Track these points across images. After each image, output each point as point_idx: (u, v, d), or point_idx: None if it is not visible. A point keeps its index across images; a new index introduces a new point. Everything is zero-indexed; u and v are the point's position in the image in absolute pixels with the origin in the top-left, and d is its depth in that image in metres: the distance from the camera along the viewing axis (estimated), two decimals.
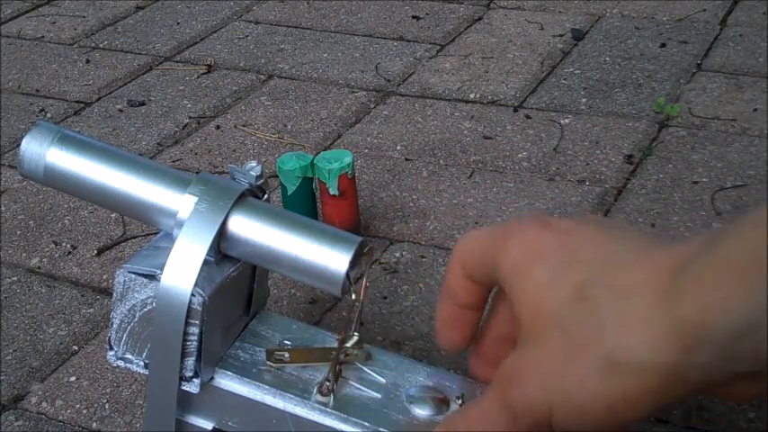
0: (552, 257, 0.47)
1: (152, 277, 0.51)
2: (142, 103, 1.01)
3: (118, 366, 0.53)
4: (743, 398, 0.46)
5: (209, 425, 0.55)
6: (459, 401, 0.54)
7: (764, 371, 0.43)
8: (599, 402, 0.44)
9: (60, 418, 0.62)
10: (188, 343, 0.51)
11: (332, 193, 0.73)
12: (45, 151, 0.53)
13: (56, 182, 0.54)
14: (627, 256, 0.46)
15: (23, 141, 0.53)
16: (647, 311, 0.43)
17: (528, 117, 0.93)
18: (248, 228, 0.51)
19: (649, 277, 0.44)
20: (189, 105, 1.00)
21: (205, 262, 0.50)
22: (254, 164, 0.54)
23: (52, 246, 0.80)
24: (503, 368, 0.48)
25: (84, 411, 0.63)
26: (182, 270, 0.50)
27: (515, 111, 0.94)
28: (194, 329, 0.51)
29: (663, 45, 1.04)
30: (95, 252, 0.78)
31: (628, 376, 0.43)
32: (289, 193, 0.75)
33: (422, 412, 0.54)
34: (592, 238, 0.48)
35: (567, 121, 0.92)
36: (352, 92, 1.00)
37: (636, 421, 0.46)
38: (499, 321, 0.53)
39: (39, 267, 0.77)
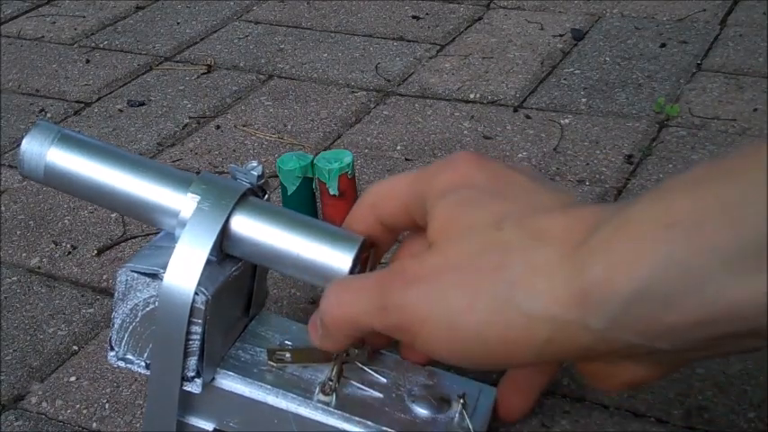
0: (480, 186, 0.47)
1: (154, 276, 0.51)
2: (142, 103, 1.01)
3: (119, 367, 0.53)
4: (616, 384, 0.47)
5: (209, 426, 0.55)
6: (461, 401, 0.54)
7: (645, 354, 0.43)
8: (479, 332, 0.43)
9: (60, 418, 0.62)
10: (190, 342, 0.51)
11: (332, 193, 0.73)
12: (45, 151, 0.53)
13: (56, 182, 0.54)
14: (549, 205, 0.46)
15: (23, 141, 0.53)
16: (554, 261, 0.42)
17: (528, 117, 0.93)
18: (251, 227, 0.51)
19: (564, 230, 0.43)
20: (189, 105, 1.00)
21: (207, 261, 0.50)
22: (254, 164, 0.54)
23: (52, 246, 0.79)
24: (397, 264, 0.47)
25: (84, 411, 0.63)
26: (185, 269, 0.50)
27: (515, 111, 0.94)
28: (197, 329, 0.51)
29: (663, 45, 1.04)
30: (95, 252, 0.78)
31: (518, 318, 0.43)
32: (289, 193, 0.75)
33: (424, 411, 0.54)
34: (522, 182, 0.48)
35: (567, 121, 0.92)
36: (352, 92, 1.00)
37: (500, 368, 0.47)
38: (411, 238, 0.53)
39: (39, 267, 0.77)
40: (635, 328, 0.41)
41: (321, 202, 0.75)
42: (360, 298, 0.48)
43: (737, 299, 0.38)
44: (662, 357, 0.44)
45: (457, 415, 0.54)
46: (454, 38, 1.11)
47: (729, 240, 0.38)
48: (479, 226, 0.45)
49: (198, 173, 0.53)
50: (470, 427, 0.54)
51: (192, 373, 0.52)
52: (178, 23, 1.20)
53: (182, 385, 0.52)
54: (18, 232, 0.81)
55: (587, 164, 0.85)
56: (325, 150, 0.89)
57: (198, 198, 0.51)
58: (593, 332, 0.42)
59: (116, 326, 0.52)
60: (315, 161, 0.74)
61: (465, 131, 0.91)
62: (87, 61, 1.12)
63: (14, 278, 0.76)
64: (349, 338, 0.50)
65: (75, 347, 0.68)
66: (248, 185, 0.53)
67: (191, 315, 0.50)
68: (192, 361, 0.51)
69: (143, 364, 0.52)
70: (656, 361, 0.45)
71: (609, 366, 0.46)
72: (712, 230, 0.38)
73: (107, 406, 0.63)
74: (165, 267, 0.50)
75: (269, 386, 0.54)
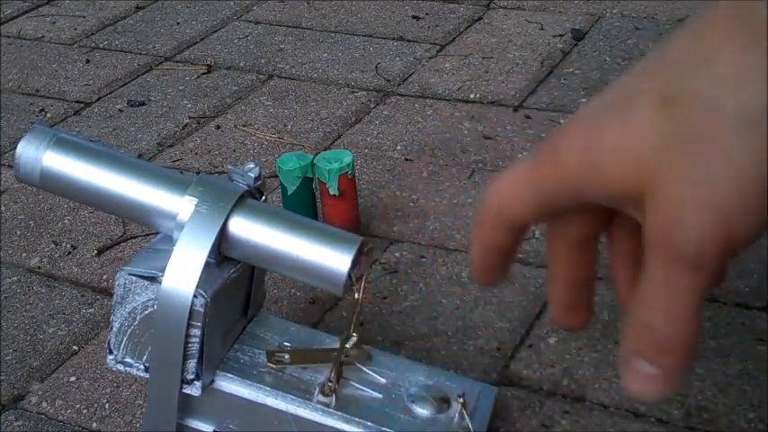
0: (603, 119, 0.40)
1: (153, 279, 0.51)
2: (142, 103, 1.01)
3: (118, 370, 0.53)
4: None
5: (209, 428, 0.55)
6: (461, 400, 0.54)
7: None
8: (763, 157, 0.35)
9: (60, 418, 0.62)
10: (190, 345, 0.51)
11: (332, 193, 0.73)
12: (41, 155, 0.53)
13: (52, 186, 0.54)
14: (684, 41, 0.38)
15: (19, 145, 0.53)
16: (738, 58, 0.36)
17: (528, 117, 0.93)
18: (249, 229, 0.51)
19: (721, 32, 0.37)
20: (189, 105, 1.00)
21: (206, 264, 0.50)
22: (251, 165, 0.54)
23: (52, 246, 0.80)
24: (648, 234, 0.38)
25: (84, 411, 0.63)
26: (183, 272, 0.50)
27: (515, 111, 0.94)
28: (196, 331, 0.51)
29: None
30: (95, 252, 0.78)
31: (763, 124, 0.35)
32: (289, 193, 0.75)
33: (423, 411, 0.54)
34: (628, 79, 0.41)
35: (566, 121, 0.92)
36: (352, 92, 1.00)
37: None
38: (617, 249, 0.46)
39: (39, 267, 0.77)
40: None
41: (321, 202, 0.75)
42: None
43: None
44: None
45: (457, 415, 0.54)
46: (454, 38, 1.11)
47: None
48: (656, 122, 0.37)
49: (197, 173, 0.53)
50: (470, 427, 0.54)
51: (191, 376, 0.52)
52: (178, 23, 1.20)
53: (181, 388, 0.52)
54: (18, 232, 0.82)
55: None
56: (325, 150, 0.89)
57: (196, 200, 0.51)
58: None
59: (114, 329, 0.52)
60: (315, 161, 0.74)
61: (465, 131, 0.91)
62: (87, 61, 1.12)
63: (14, 278, 0.76)
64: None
65: (75, 347, 0.68)
66: (246, 187, 0.53)
67: (190, 318, 0.50)
68: (192, 363, 0.51)
69: (142, 367, 0.52)
70: None
71: None
72: None
73: (107, 406, 0.63)
74: (163, 270, 0.50)
75: (268, 388, 0.54)
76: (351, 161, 0.73)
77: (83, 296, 0.73)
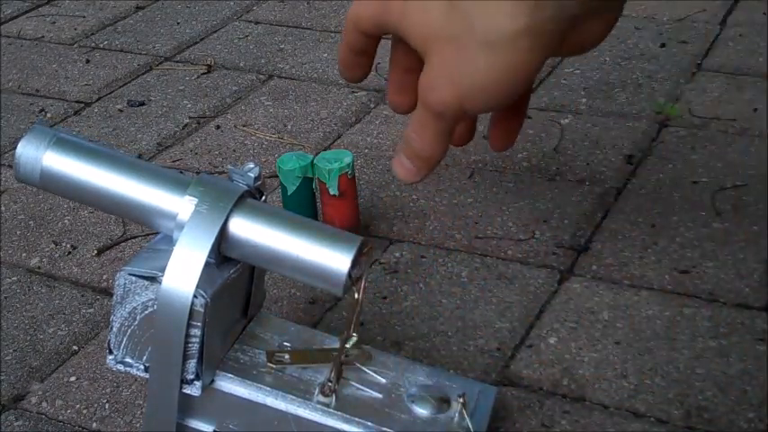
0: None
1: (153, 279, 0.51)
2: (142, 103, 1.01)
3: (118, 370, 0.53)
4: (596, 37, 0.58)
5: (209, 428, 0.55)
6: (461, 400, 0.54)
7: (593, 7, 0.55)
8: (496, 74, 0.55)
9: (60, 418, 0.62)
10: (190, 345, 0.51)
11: (332, 193, 0.73)
12: (41, 155, 0.53)
13: (52, 186, 0.54)
14: None
15: (19, 145, 0.53)
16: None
17: (528, 117, 0.93)
18: (249, 229, 0.51)
19: None
20: (189, 105, 1.00)
21: (206, 264, 0.50)
22: (251, 165, 0.54)
23: (52, 246, 0.80)
24: (419, 84, 0.59)
25: (84, 411, 0.63)
26: (183, 272, 0.50)
27: None
28: (196, 331, 0.51)
29: (663, 45, 1.04)
30: (95, 252, 0.78)
31: (506, 47, 0.54)
32: (289, 193, 0.75)
33: (423, 411, 0.54)
34: None
35: (567, 121, 0.92)
36: (353, 92, 1.00)
37: (528, 81, 0.57)
38: (400, 59, 0.64)
39: (39, 267, 0.77)
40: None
41: (321, 202, 0.75)
42: (422, 126, 0.61)
43: None
44: (607, 5, 0.57)
45: (457, 415, 0.54)
46: None
47: None
48: (442, 17, 0.56)
49: (197, 173, 0.53)
50: (470, 427, 0.54)
51: (191, 376, 0.52)
52: (178, 23, 1.20)
53: (181, 388, 0.52)
54: (18, 232, 0.82)
55: (587, 164, 0.85)
56: (325, 150, 0.89)
57: (195, 201, 0.51)
58: (548, 20, 0.54)
59: (114, 329, 0.52)
60: (315, 161, 0.74)
61: None
62: (87, 61, 1.12)
63: (14, 278, 0.76)
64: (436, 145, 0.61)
65: (75, 347, 0.68)
66: (246, 187, 0.53)
67: (190, 318, 0.50)
68: (192, 364, 0.51)
69: (142, 367, 0.52)
70: (607, 7, 0.57)
71: (583, 32, 0.57)
72: None
73: (107, 406, 0.63)
74: (163, 270, 0.50)
75: (268, 388, 0.54)
76: (351, 161, 0.73)
77: (83, 296, 0.73)
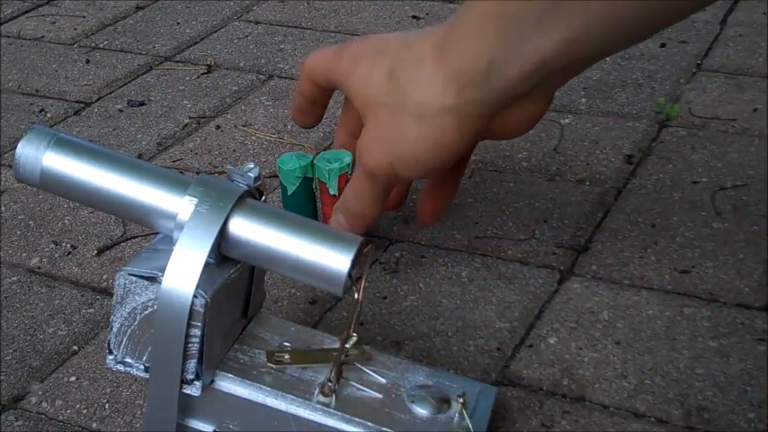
0: (368, 57, 0.64)
1: (153, 280, 0.51)
2: (142, 103, 1.01)
3: (117, 370, 0.53)
4: (524, 127, 0.64)
5: (209, 428, 0.55)
6: (461, 400, 0.54)
7: (521, 97, 0.61)
8: (422, 146, 0.61)
9: (60, 418, 0.62)
10: (189, 345, 0.51)
11: (332, 193, 0.73)
12: (41, 156, 0.53)
13: (52, 186, 0.54)
14: (417, 38, 0.62)
15: (19, 146, 0.53)
16: (430, 73, 0.60)
17: None
18: (249, 229, 0.51)
19: (429, 49, 0.60)
20: (189, 105, 1.00)
21: (206, 264, 0.50)
22: (251, 165, 0.54)
23: (52, 246, 0.80)
24: (356, 146, 0.65)
25: (84, 411, 0.63)
26: (183, 272, 0.50)
27: None
28: (196, 331, 0.51)
29: (663, 45, 1.04)
30: (95, 252, 0.78)
31: (433, 122, 0.60)
32: (289, 193, 0.75)
33: (423, 411, 0.54)
34: (396, 36, 0.65)
35: (567, 121, 0.92)
36: None
37: (455, 156, 0.63)
38: (347, 121, 0.71)
39: (39, 267, 0.77)
40: (496, 87, 0.59)
41: (321, 202, 0.75)
42: (358, 187, 0.67)
43: (546, 45, 0.57)
44: (535, 95, 0.62)
45: (457, 415, 0.54)
46: None
47: (529, 10, 0.56)
48: (381, 86, 0.62)
49: (198, 173, 0.53)
50: (470, 427, 0.54)
51: (191, 376, 0.52)
52: (178, 23, 1.20)
53: (181, 388, 0.52)
54: (18, 232, 0.82)
55: (587, 164, 0.85)
56: (325, 150, 0.89)
57: (195, 201, 0.51)
58: (474, 102, 0.60)
59: (114, 329, 0.52)
60: (315, 161, 0.74)
61: None
62: (87, 61, 1.12)
63: (14, 278, 0.76)
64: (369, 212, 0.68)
65: (75, 347, 0.68)
66: (246, 187, 0.53)
67: (190, 318, 0.50)
68: (192, 364, 0.51)
69: (142, 367, 0.52)
70: (535, 99, 0.62)
71: (509, 119, 0.62)
72: (515, 9, 0.56)
73: (107, 406, 0.63)
74: (163, 270, 0.50)
75: (268, 388, 0.54)
76: (351, 161, 0.73)
77: (83, 296, 0.73)
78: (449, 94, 0.59)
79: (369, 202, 0.66)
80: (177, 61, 1.10)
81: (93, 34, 1.19)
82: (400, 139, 0.61)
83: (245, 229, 0.51)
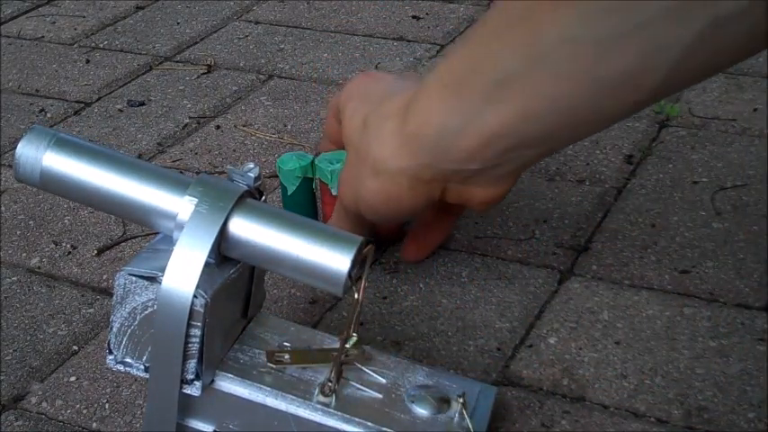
0: (356, 99, 0.66)
1: (153, 280, 0.51)
2: (142, 103, 1.01)
3: (117, 370, 0.53)
4: (477, 204, 0.64)
5: (209, 428, 0.55)
6: (461, 400, 0.54)
7: (475, 176, 0.61)
8: (376, 197, 0.63)
9: (60, 418, 0.62)
10: (190, 345, 0.51)
11: (334, 193, 0.73)
12: (41, 156, 0.53)
13: (52, 186, 0.54)
14: (395, 93, 0.64)
15: (19, 146, 0.53)
16: (391, 131, 0.61)
17: None
18: (249, 229, 0.51)
19: (398, 106, 0.61)
20: (189, 105, 1.00)
21: (206, 264, 0.50)
22: (251, 165, 0.54)
23: (52, 246, 0.80)
24: (339, 180, 0.68)
25: (84, 411, 0.63)
26: (183, 272, 0.50)
27: None
28: (196, 331, 0.51)
29: None
30: (95, 252, 0.78)
31: (387, 178, 0.62)
32: (289, 193, 0.75)
33: (423, 411, 0.54)
34: (388, 82, 0.67)
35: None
36: None
37: (409, 211, 0.65)
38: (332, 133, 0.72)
39: (39, 267, 0.77)
40: (448, 157, 0.60)
41: (322, 202, 0.75)
42: (337, 215, 0.70)
43: (496, 122, 0.57)
44: (489, 176, 0.62)
45: (457, 415, 0.54)
46: (454, 38, 1.11)
47: (476, 87, 0.57)
48: (357, 130, 0.64)
49: (198, 173, 0.53)
50: (470, 427, 0.54)
51: (191, 376, 0.52)
52: (178, 23, 1.20)
53: (181, 388, 0.52)
54: (18, 232, 0.82)
55: (587, 164, 0.85)
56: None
57: (195, 201, 0.51)
58: (426, 167, 0.61)
59: (114, 329, 0.52)
60: (316, 162, 0.74)
61: None
62: (87, 61, 1.12)
63: (14, 278, 0.76)
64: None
65: (75, 347, 0.68)
66: (246, 187, 0.53)
67: (190, 318, 0.50)
68: (192, 364, 0.51)
69: (142, 367, 0.52)
70: (490, 180, 0.62)
71: (465, 192, 0.63)
72: (465, 83, 0.57)
73: (107, 406, 0.63)
74: (163, 270, 0.50)
75: (268, 388, 0.54)
76: None
77: (83, 296, 0.73)
78: (403, 156, 0.61)
79: (350, 230, 0.66)
80: (177, 61, 1.10)
81: (93, 34, 1.19)
82: (361, 186, 0.63)
83: (245, 229, 0.51)
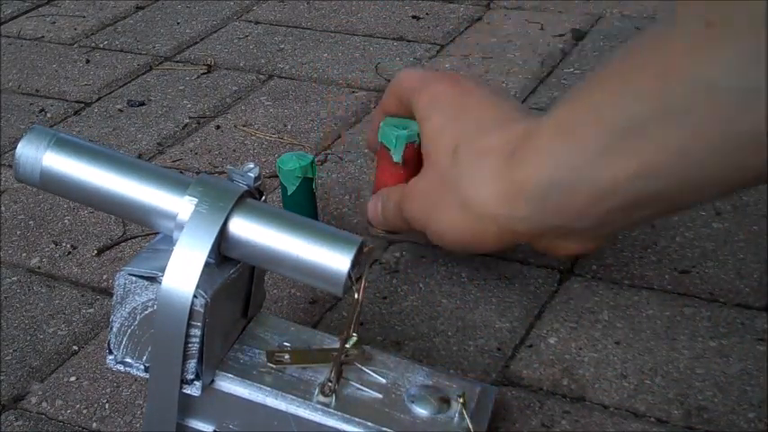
0: (447, 110, 0.61)
1: (153, 280, 0.51)
2: (142, 103, 1.01)
3: (118, 370, 0.53)
4: (562, 254, 0.60)
5: (209, 428, 0.55)
6: (461, 400, 0.54)
7: (571, 234, 0.57)
8: (456, 231, 0.59)
9: (60, 418, 0.62)
10: (190, 345, 0.51)
11: (396, 160, 0.68)
12: (41, 156, 0.53)
13: (52, 186, 0.54)
14: (495, 123, 0.59)
15: (19, 146, 0.53)
16: (492, 173, 0.56)
17: None
18: (249, 229, 0.51)
19: (500, 145, 0.57)
20: (189, 105, 1.00)
21: (206, 264, 0.50)
22: (251, 165, 0.54)
23: (52, 246, 0.80)
24: (408, 184, 0.64)
25: (84, 411, 0.63)
26: (183, 272, 0.50)
27: None
28: (196, 331, 0.51)
29: None
30: (95, 252, 0.78)
31: (475, 219, 0.58)
32: (289, 193, 0.75)
33: (423, 411, 0.54)
34: (480, 102, 0.62)
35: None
36: (352, 92, 1.00)
37: (485, 252, 0.66)
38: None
39: (39, 267, 0.77)
40: (553, 214, 0.55)
41: (379, 168, 0.71)
42: (392, 211, 0.67)
43: (612, 177, 0.51)
44: (591, 233, 0.57)
45: (457, 415, 0.54)
46: (454, 38, 1.11)
47: (596, 136, 0.51)
48: (446, 153, 0.60)
49: (198, 173, 0.53)
50: (470, 427, 0.54)
51: (191, 376, 0.52)
52: (178, 23, 1.20)
53: (181, 388, 0.52)
54: (18, 232, 0.82)
55: None
56: (325, 150, 0.89)
57: (195, 201, 0.51)
58: (524, 220, 0.56)
59: (114, 329, 0.52)
60: (382, 124, 0.69)
61: None
62: (87, 61, 1.12)
63: (14, 278, 0.76)
64: (401, 228, 0.68)
65: (75, 347, 0.68)
66: (246, 187, 0.53)
67: (190, 318, 0.50)
68: (192, 364, 0.51)
69: (142, 367, 0.52)
70: (589, 236, 0.58)
71: (556, 245, 0.59)
72: (584, 131, 0.52)
73: (107, 406, 0.63)
74: (163, 270, 0.50)
75: (268, 388, 0.54)
76: (418, 130, 0.66)
77: (83, 296, 0.73)
78: (501, 203, 0.56)
79: (395, 227, 0.68)
80: (177, 61, 1.10)
81: (93, 34, 1.19)
82: (440, 214, 0.60)
83: (245, 229, 0.51)
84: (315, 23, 1.17)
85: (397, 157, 0.67)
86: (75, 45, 1.17)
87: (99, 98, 1.03)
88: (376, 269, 0.74)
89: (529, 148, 0.55)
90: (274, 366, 0.55)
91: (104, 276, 0.75)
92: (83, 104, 1.02)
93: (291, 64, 1.07)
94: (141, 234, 0.80)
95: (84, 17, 1.24)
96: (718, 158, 0.48)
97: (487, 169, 0.56)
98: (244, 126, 0.95)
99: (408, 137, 0.67)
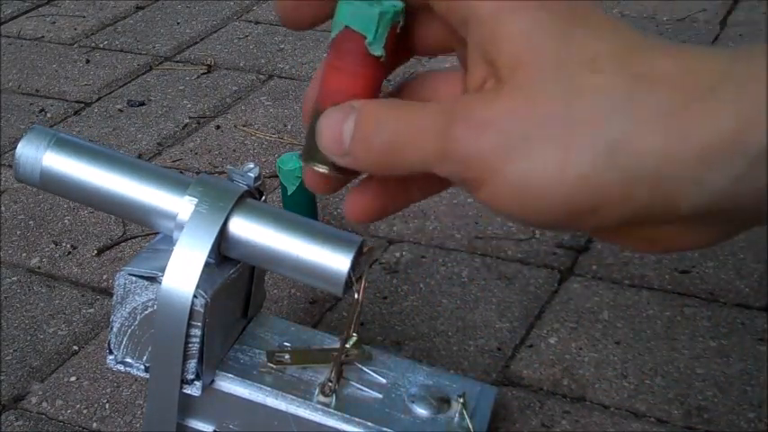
0: (557, 10, 0.37)
1: (153, 280, 0.51)
2: (142, 103, 1.01)
3: (118, 370, 0.53)
4: (657, 248, 0.40)
5: (209, 428, 0.55)
6: (461, 400, 0.54)
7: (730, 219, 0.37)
8: (568, 195, 0.36)
9: (60, 418, 0.62)
10: (190, 345, 0.51)
11: (376, 53, 0.41)
12: (41, 156, 0.53)
13: (52, 186, 0.54)
14: (650, 42, 0.37)
15: (19, 146, 0.53)
16: (669, 112, 0.35)
17: None
18: (249, 229, 0.51)
19: (681, 74, 0.36)
20: (189, 105, 1.00)
21: (206, 264, 0.50)
22: (251, 165, 0.54)
23: (52, 246, 0.80)
24: (459, 101, 0.39)
25: (85, 411, 0.63)
26: (183, 272, 0.50)
27: None
28: (196, 331, 0.51)
29: None
30: (95, 252, 0.78)
31: (618, 180, 0.35)
32: (289, 193, 0.75)
33: (423, 411, 0.54)
34: (601, 15, 0.38)
35: None
36: None
37: (569, 230, 0.43)
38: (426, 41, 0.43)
39: (39, 267, 0.77)
40: (759, 186, 0.35)
41: (335, 73, 0.42)
42: (415, 135, 0.39)
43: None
44: (731, 223, 0.38)
45: (457, 415, 0.54)
46: None
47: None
48: (571, 64, 0.36)
49: (198, 173, 0.53)
50: (470, 427, 0.54)
51: (191, 376, 0.52)
52: (178, 23, 1.20)
53: (181, 388, 0.52)
54: (18, 232, 0.82)
55: None
56: None
57: (195, 201, 0.51)
58: (705, 193, 0.35)
59: (114, 329, 0.52)
60: (341, 2, 0.40)
61: None
62: (87, 61, 1.12)
63: (14, 278, 0.76)
64: (383, 169, 0.41)
65: (76, 347, 0.68)
66: (246, 187, 0.53)
67: (190, 318, 0.50)
68: (192, 364, 0.51)
69: (142, 367, 0.52)
70: (716, 226, 0.38)
71: (654, 231, 0.39)
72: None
73: (107, 406, 0.63)
74: (163, 270, 0.50)
75: (268, 388, 0.54)
76: (403, 7, 0.40)
77: (83, 296, 0.73)
78: (679, 163, 0.35)
79: (374, 167, 0.41)
80: (177, 61, 1.10)
81: (93, 34, 1.19)
82: (547, 160, 0.36)
83: (245, 229, 0.51)
84: None
85: (377, 48, 0.41)
86: (75, 45, 1.17)
87: (99, 98, 1.03)
88: (376, 269, 0.74)
89: (742, 92, 0.35)
90: (274, 366, 0.55)
91: (104, 276, 0.75)
92: (83, 104, 1.02)
93: (291, 64, 1.07)
94: (141, 234, 0.80)
95: (84, 17, 1.24)
96: None
97: (658, 109, 0.35)
98: (244, 126, 0.95)
99: (395, 14, 0.40)
